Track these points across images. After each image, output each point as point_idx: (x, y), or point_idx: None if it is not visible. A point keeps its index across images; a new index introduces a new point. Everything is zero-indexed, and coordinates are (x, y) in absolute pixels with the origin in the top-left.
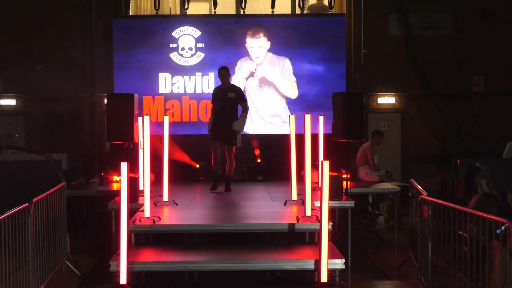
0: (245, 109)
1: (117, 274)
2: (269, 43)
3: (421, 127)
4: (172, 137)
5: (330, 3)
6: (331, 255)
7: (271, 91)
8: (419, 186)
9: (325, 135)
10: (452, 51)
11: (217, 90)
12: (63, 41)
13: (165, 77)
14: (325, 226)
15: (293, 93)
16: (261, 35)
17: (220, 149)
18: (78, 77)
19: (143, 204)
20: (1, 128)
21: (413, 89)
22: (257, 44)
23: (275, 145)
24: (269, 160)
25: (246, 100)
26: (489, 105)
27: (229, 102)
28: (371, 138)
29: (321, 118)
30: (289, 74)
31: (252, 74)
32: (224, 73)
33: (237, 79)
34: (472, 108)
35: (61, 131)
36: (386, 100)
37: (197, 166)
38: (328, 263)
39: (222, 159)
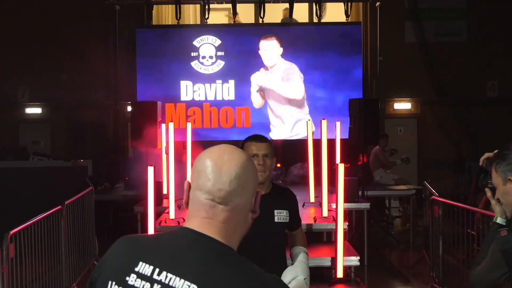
0: (303, 238)
1: None
2: (281, 49)
3: (437, 132)
4: (194, 143)
5: (346, 11)
6: (347, 253)
7: (285, 106)
8: (431, 188)
9: (342, 140)
10: (467, 57)
11: None
12: (87, 50)
13: (186, 85)
14: (341, 224)
15: (297, 94)
16: (273, 38)
17: None
18: (102, 86)
19: (167, 207)
20: (27, 135)
21: (429, 94)
22: (269, 46)
23: (293, 149)
24: (289, 164)
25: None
26: (504, 110)
27: (276, 230)
28: (379, 142)
29: (338, 124)
30: (294, 77)
31: (261, 88)
32: (258, 149)
33: (253, 92)
34: (487, 113)
35: (86, 138)
36: (402, 105)
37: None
38: (344, 260)
39: None
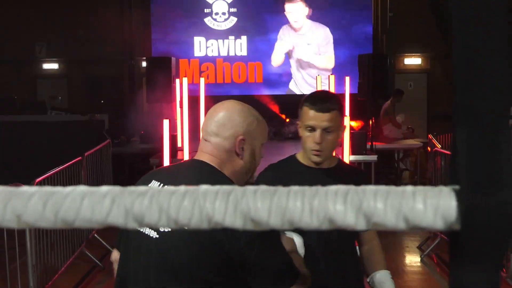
0: (381, 252)
1: None
2: (307, 9)
3: (446, 87)
4: (207, 98)
5: None
6: None
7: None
8: (435, 140)
9: (352, 95)
10: None
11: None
12: (103, 7)
13: (200, 41)
14: None
15: (329, 65)
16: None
17: None
18: (117, 41)
19: (182, 159)
20: (45, 90)
21: (439, 49)
22: (295, 9)
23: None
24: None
25: None
26: None
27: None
28: (392, 97)
29: (347, 79)
30: (329, 45)
31: (292, 50)
32: (316, 121)
33: (278, 52)
34: None
35: (102, 92)
36: (412, 60)
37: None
38: None
39: None
